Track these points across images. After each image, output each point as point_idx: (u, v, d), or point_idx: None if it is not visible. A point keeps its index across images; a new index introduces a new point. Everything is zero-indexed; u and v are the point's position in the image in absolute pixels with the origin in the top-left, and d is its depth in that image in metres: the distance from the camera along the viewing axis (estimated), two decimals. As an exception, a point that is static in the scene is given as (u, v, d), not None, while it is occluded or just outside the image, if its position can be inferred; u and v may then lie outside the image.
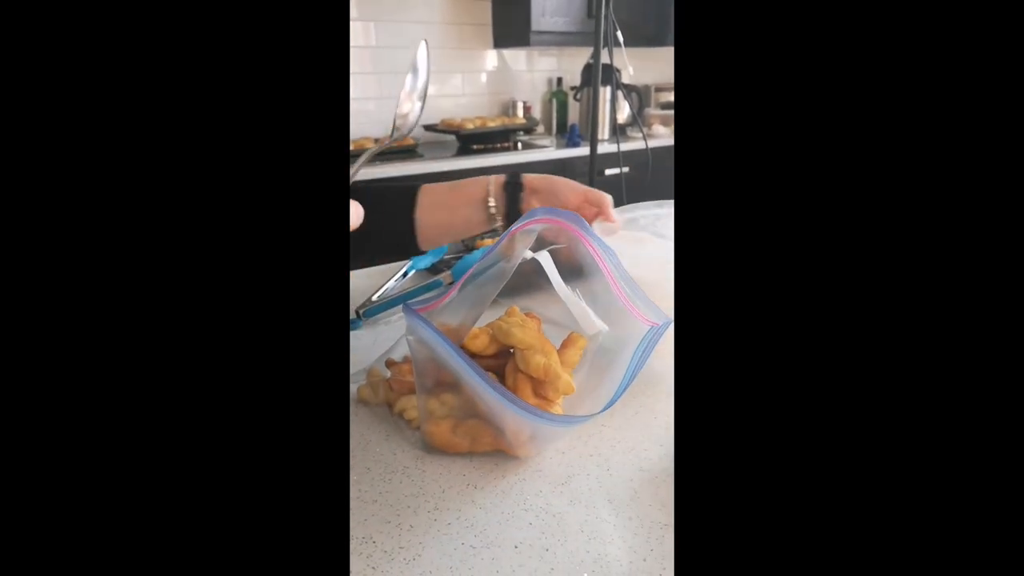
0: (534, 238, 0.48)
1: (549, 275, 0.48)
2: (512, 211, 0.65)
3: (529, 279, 0.48)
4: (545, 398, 0.46)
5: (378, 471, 0.45)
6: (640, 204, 0.69)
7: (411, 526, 0.39)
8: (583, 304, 0.49)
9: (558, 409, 0.47)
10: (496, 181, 0.65)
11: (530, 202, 0.65)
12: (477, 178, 0.67)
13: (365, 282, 0.80)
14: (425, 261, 0.83)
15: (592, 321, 0.49)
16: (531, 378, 0.46)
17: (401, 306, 0.47)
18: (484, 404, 0.43)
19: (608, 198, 0.63)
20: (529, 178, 0.65)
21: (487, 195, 0.65)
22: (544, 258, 0.48)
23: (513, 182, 0.65)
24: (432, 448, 0.47)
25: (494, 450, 0.46)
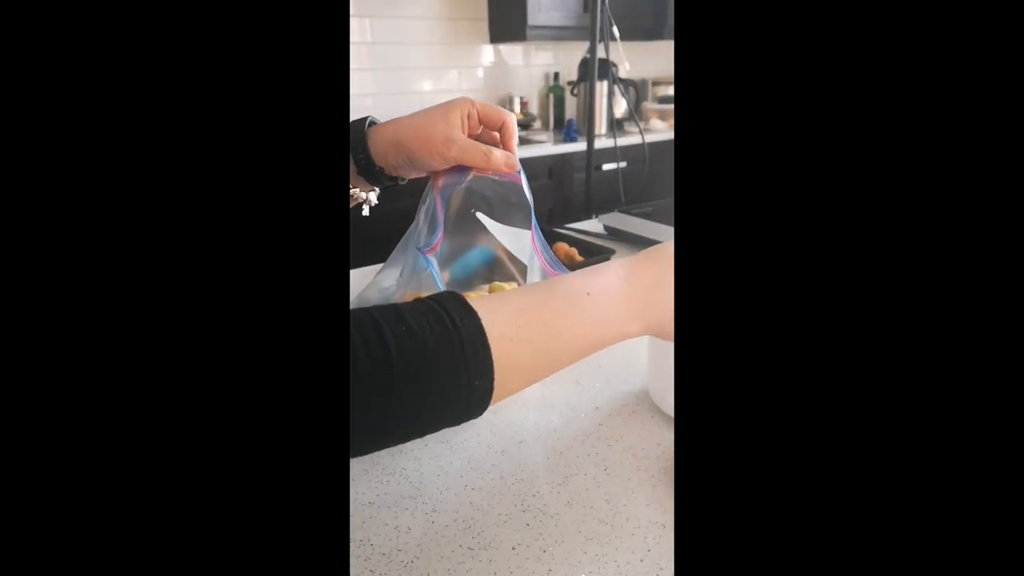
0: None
1: (490, 228, 0.52)
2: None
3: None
4: None
5: (375, 473, 0.45)
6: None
7: (408, 528, 0.39)
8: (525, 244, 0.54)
9: None
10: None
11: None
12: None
13: (364, 281, 0.80)
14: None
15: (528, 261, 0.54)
16: None
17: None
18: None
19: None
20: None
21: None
22: (482, 217, 0.53)
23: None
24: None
25: None
